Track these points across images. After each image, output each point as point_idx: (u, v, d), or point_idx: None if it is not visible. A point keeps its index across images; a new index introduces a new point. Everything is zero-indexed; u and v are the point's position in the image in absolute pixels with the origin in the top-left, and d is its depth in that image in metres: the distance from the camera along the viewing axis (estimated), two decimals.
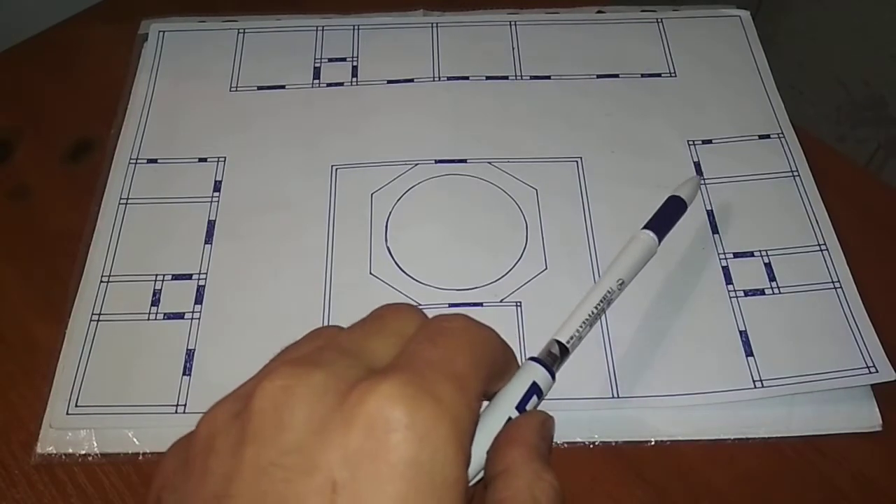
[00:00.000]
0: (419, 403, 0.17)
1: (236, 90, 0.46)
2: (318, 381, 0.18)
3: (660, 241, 0.33)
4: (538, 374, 0.24)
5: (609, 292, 0.30)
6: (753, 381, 0.35)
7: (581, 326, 0.28)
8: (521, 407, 0.23)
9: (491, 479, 0.20)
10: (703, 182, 0.42)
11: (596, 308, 0.29)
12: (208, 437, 0.19)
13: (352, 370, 0.18)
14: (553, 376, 0.25)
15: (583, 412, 0.35)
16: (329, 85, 0.47)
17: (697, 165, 0.43)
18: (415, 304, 0.36)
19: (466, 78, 0.47)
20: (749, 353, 0.36)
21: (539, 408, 0.23)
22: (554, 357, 0.27)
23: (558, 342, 0.27)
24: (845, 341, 0.36)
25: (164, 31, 0.49)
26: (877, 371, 0.35)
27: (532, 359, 0.25)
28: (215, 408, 0.19)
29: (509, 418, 0.22)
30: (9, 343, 0.38)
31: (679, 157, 0.43)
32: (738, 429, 0.35)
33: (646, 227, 0.33)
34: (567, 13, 0.50)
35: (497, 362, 0.21)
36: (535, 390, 0.24)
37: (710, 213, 0.41)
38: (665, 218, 0.35)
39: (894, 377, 0.35)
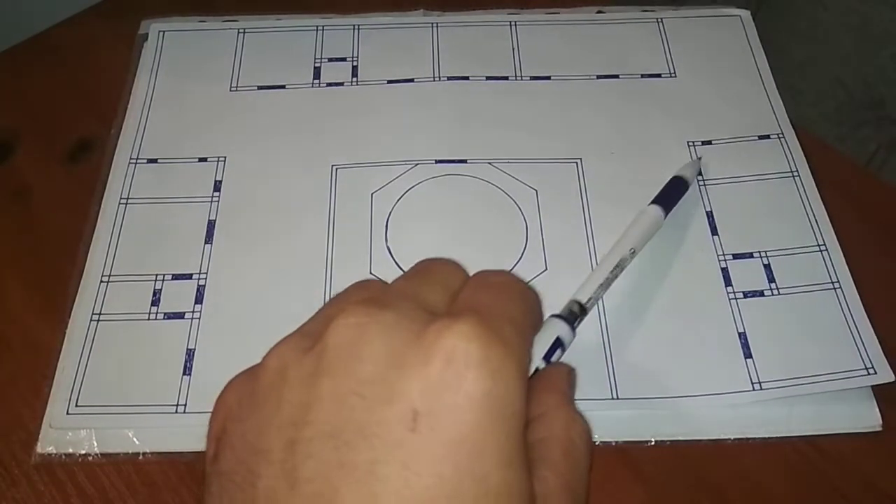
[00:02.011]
0: (491, 342, 0.18)
1: (236, 90, 0.46)
2: (390, 320, 0.19)
3: (665, 214, 0.38)
4: (562, 329, 0.27)
5: (622, 259, 0.34)
6: (752, 384, 0.35)
7: (598, 289, 0.32)
8: (547, 358, 0.26)
9: (528, 422, 0.21)
10: (702, 183, 0.42)
11: (611, 273, 0.33)
12: (279, 370, 0.19)
13: (417, 312, 0.20)
14: (573, 331, 0.28)
15: (583, 413, 0.35)
16: (329, 85, 0.47)
17: None
18: None
19: (466, 78, 0.47)
20: (748, 355, 0.36)
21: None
22: (574, 315, 0.30)
23: (578, 302, 0.31)
24: (844, 343, 0.36)
25: (164, 31, 0.49)
26: (875, 373, 0.35)
27: (554, 315, 0.28)
28: (282, 344, 0.20)
29: (536, 369, 0.25)
30: (9, 343, 0.38)
31: (679, 157, 0.43)
32: (738, 429, 0.35)
33: (653, 202, 0.38)
34: (567, 13, 0.50)
35: (537, 315, 0.23)
36: (559, 344, 0.27)
37: (710, 215, 0.41)
38: (669, 195, 0.39)
39: (893, 378, 0.35)
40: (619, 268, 0.34)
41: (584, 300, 0.31)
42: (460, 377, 0.18)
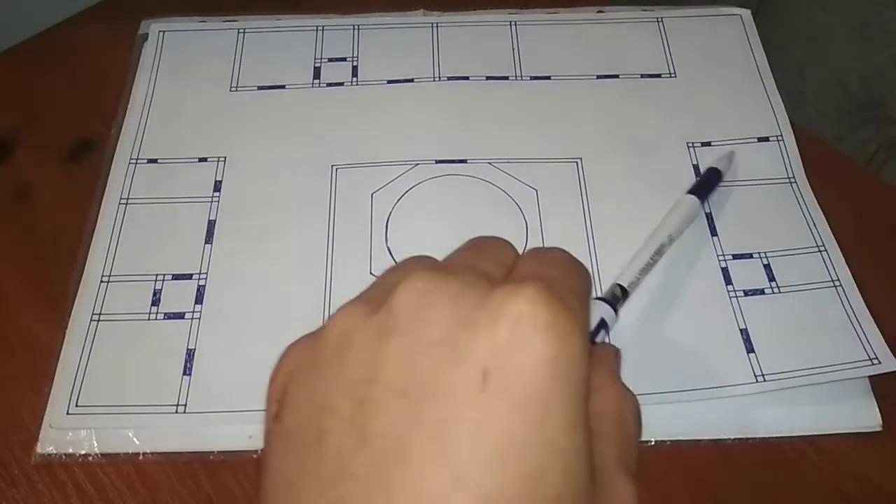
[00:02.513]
0: (557, 307, 0.18)
1: (236, 90, 0.46)
2: (455, 286, 0.19)
3: (702, 203, 0.39)
4: (605, 311, 0.29)
5: (662, 245, 0.35)
6: (755, 376, 0.35)
7: (639, 273, 0.33)
8: (592, 338, 0.27)
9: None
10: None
11: (651, 258, 0.34)
12: (342, 334, 0.20)
13: (480, 280, 0.20)
14: (616, 313, 0.29)
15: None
16: (329, 85, 0.47)
17: (696, 168, 0.43)
18: None
19: (466, 78, 0.47)
20: (750, 349, 0.36)
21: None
22: (616, 297, 0.31)
23: (620, 285, 0.32)
24: (847, 335, 0.36)
25: (164, 31, 0.49)
26: (880, 362, 0.35)
27: (598, 298, 0.30)
28: (344, 310, 0.20)
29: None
30: (9, 343, 0.38)
31: (679, 158, 0.43)
32: (738, 429, 0.35)
33: (689, 192, 0.39)
34: (567, 13, 0.50)
35: (590, 292, 0.23)
36: (603, 324, 0.28)
37: (709, 216, 0.41)
38: (705, 185, 0.40)
39: None
40: (659, 253, 0.35)
41: (626, 284, 0.32)
42: (528, 340, 0.18)
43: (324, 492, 0.18)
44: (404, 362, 0.18)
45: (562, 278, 0.21)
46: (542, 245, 0.40)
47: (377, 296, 0.20)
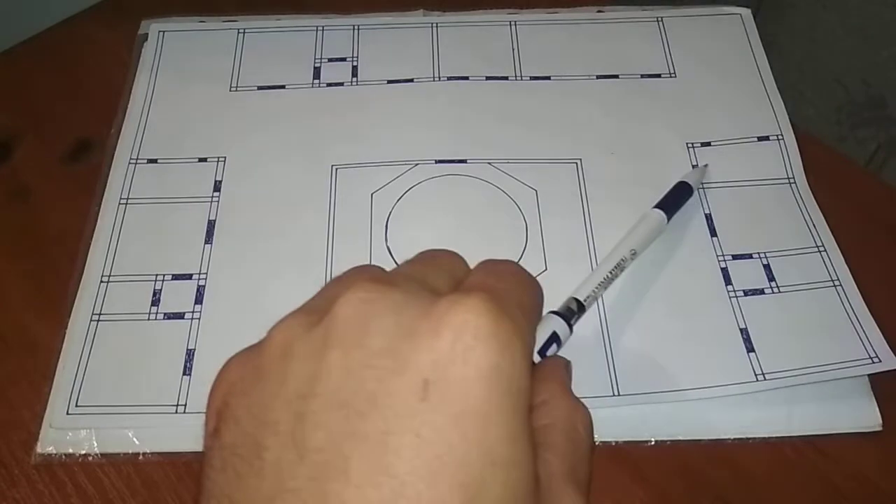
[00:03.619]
0: (501, 318, 0.18)
1: (236, 90, 0.46)
2: (399, 297, 0.19)
3: (668, 219, 0.38)
4: (558, 325, 0.28)
5: (623, 260, 0.34)
6: (755, 375, 0.35)
7: (597, 287, 0.32)
8: (542, 352, 0.26)
9: (531, 409, 0.21)
10: (701, 185, 0.42)
11: (610, 273, 0.34)
12: (284, 345, 0.19)
13: (423, 292, 0.20)
14: (570, 328, 0.28)
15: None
16: (329, 85, 0.47)
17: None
18: None
19: (466, 78, 0.47)
20: (750, 349, 0.36)
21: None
22: (572, 312, 0.30)
23: (576, 299, 0.31)
24: (847, 334, 0.36)
25: (164, 31, 0.49)
26: (880, 361, 0.35)
27: (552, 312, 0.29)
28: (287, 320, 0.20)
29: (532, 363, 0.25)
30: (9, 343, 0.38)
31: (678, 158, 0.43)
32: (738, 429, 0.35)
33: (656, 206, 0.38)
34: (567, 13, 0.50)
35: (540, 306, 0.23)
36: (555, 339, 0.27)
37: (709, 216, 0.41)
38: (673, 200, 0.39)
39: None
40: (619, 268, 0.34)
41: (582, 298, 0.31)
42: (469, 349, 0.18)
43: None
44: (345, 374, 0.18)
45: (509, 291, 0.21)
46: (540, 245, 0.40)
47: (319, 306, 0.20)
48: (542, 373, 0.23)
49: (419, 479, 0.17)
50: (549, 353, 0.27)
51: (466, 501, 0.17)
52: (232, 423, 0.19)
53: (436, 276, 0.22)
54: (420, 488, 0.16)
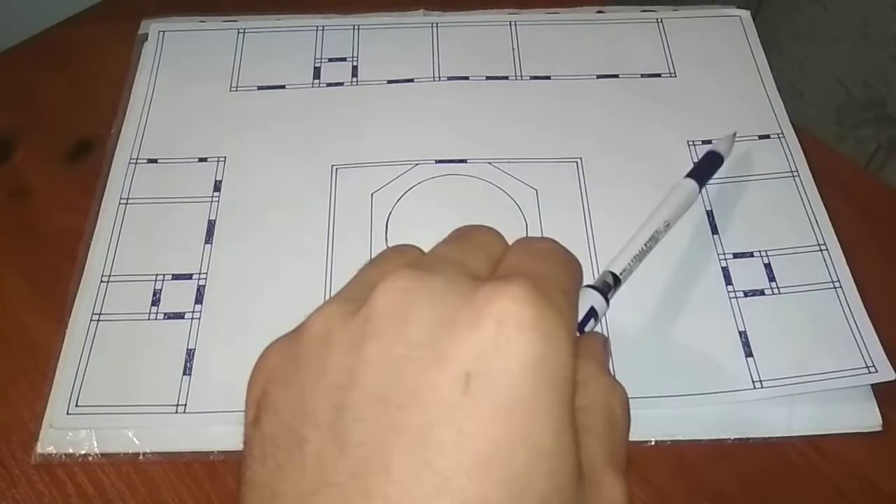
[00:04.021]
0: (543, 305, 0.18)
1: (236, 90, 0.46)
2: (438, 284, 0.19)
3: (700, 189, 0.37)
4: (596, 299, 0.27)
5: (657, 231, 0.33)
6: (753, 382, 0.35)
7: (632, 260, 0.31)
8: (580, 328, 0.26)
9: None
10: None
11: (645, 245, 0.32)
12: (323, 334, 0.19)
13: (463, 277, 0.19)
14: (608, 302, 0.28)
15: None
16: (329, 85, 0.47)
17: None
18: None
19: (466, 78, 0.47)
20: (749, 353, 0.36)
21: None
22: (608, 286, 0.29)
23: (612, 273, 0.30)
24: (845, 341, 0.36)
25: (164, 31, 0.49)
26: (876, 371, 0.35)
27: (589, 286, 0.28)
28: (325, 308, 0.20)
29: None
30: (9, 343, 0.38)
31: (679, 157, 0.43)
32: (738, 429, 0.35)
33: (688, 175, 0.37)
34: (567, 13, 0.50)
35: (580, 283, 0.23)
36: (592, 314, 0.27)
37: (710, 214, 0.41)
38: (704, 169, 0.38)
39: (894, 377, 0.35)
40: (654, 240, 0.33)
41: (618, 271, 0.30)
42: (512, 340, 0.17)
43: (305, 500, 0.17)
44: (384, 367, 0.18)
45: (549, 273, 0.20)
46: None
47: (357, 294, 0.20)
48: (581, 350, 0.22)
49: (462, 475, 0.16)
50: (587, 328, 0.26)
51: (511, 497, 0.16)
52: (272, 413, 0.19)
53: (474, 258, 0.21)
54: (463, 483, 0.16)
